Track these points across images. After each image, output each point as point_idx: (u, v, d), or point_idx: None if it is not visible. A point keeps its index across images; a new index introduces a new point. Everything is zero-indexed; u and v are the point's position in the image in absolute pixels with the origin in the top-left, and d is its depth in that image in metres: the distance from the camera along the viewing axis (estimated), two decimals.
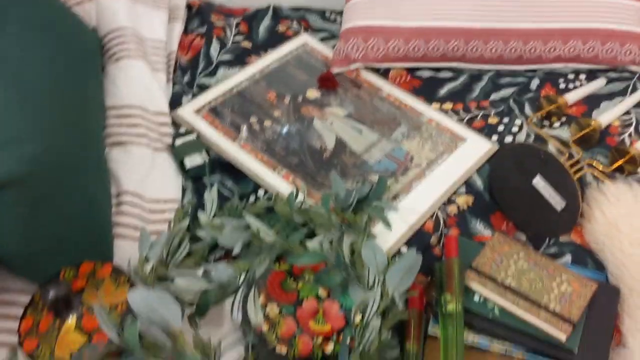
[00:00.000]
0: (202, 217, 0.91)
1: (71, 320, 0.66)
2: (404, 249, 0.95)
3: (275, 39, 1.30)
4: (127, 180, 0.96)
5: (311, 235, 0.90)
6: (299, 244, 0.88)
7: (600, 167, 1.04)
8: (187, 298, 0.78)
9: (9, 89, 0.74)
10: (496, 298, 0.84)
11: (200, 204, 0.95)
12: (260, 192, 1.01)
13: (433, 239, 0.96)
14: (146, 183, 0.97)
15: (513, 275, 0.87)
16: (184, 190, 1.00)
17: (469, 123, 1.14)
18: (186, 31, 1.30)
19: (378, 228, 0.95)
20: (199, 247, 0.88)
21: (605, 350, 0.82)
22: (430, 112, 1.14)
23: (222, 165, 1.05)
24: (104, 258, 0.79)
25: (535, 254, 0.90)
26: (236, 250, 0.89)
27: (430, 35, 1.19)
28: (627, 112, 1.15)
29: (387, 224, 0.94)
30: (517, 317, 0.83)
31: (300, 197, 0.94)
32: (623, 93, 1.19)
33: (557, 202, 0.93)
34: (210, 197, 0.92)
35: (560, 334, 0.81)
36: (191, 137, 1.04)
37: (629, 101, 1.15)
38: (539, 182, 0.94)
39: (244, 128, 1.09)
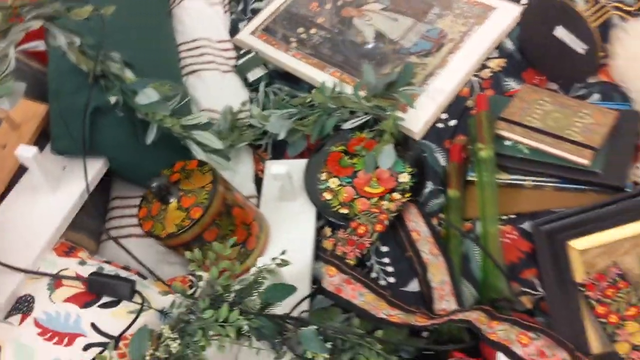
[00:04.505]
0: (254, 109, 1.10)
1: (173, 202, 0.87)
2: (444, 115, 1.07)
3: None
4: (204, 100, 1.15)
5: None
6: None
7: (625, 7, 1.08)
8: None
9: None
10: (524, 140, 0.95)
11: None
12: None
13: (469, 102, 1.07)
14: (220, 100, 1.16)
15: (539, 117, 0.97)
16: (251, 101, 1.18)
17: None
18: None
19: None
20: (249, 132, 1.09)
21: (626, 167, 0.91)
22: None
23: (280, 75, 1.21)
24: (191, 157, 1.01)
25: (561, 96, 0.99)
26: (281, 136, 1.06)
27: None
28: None
29: (411, 104, 1.02)
30: (545, 152, 0.94)
31: (333, 85, 1.08)
32: None
33: (578, 46, 1.00)
34: (259, 93, 1.12)
35: (583, 160, 0.90)
36: (250, 55, 1.21)
37: None
38: (559, 30, 1.01)
39: (293, 39, 1.24)
